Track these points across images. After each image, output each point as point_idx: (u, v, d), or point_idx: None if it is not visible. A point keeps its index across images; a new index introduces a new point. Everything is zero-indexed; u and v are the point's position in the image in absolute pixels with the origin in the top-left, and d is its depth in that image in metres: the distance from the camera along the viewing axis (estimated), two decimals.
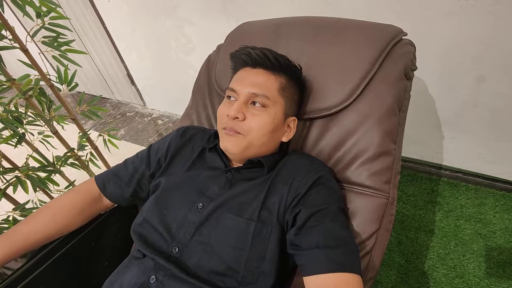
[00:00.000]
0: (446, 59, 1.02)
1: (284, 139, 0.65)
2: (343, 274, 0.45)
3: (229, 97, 0.63)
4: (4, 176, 0.97)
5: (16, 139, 0.96)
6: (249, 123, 0.58)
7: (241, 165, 0.64)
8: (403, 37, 0.72)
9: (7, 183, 0.96)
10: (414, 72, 0.72)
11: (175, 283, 0.51)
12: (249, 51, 0.61)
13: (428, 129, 1.23)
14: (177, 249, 0.55)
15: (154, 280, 0.52)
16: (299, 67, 0.65)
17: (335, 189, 0.58)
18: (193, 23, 1.48)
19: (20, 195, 0.99)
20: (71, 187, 1.17)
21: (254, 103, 0.59)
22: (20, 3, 0.88)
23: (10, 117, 0.91)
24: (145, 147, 0.74)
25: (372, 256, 0.58)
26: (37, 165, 1.06)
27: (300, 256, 0.50)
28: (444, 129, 1.22)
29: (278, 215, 0.55)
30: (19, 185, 0.95)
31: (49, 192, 1.12)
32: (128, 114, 2.32)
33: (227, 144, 0.60)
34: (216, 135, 0.72)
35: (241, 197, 0.58)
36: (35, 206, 1.09)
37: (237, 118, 0.58)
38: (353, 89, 0.64)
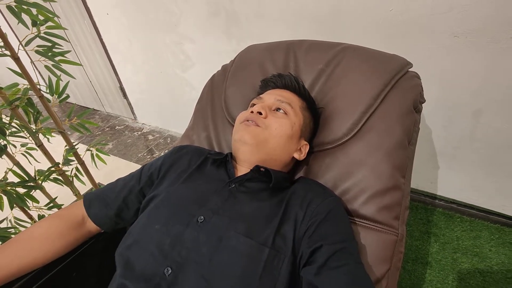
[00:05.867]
0: (445, 92, 1.04)
1: (296, 156, 0.64)
2: None
3: (253, 105, 0.67)
4: None
5: None
6: (270, 121, 0.61)
7: (248, 171, 0.60)
8: (409, 69, 0.72)
9: None
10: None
11: None
12: (282, 75, 0.70)
13: (423, 158, 1.24)
14: (170, 270, 0.47)
15: None
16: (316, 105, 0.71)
17: (348, 222, 0.55)
18: (194, 40, 1.47)
19: None
20: (51, 204, 1.09)
21: (277, 110, 0.63)
22: (16, 10, 0.85)
23: None
24: (133, 163, 0.69)
25: None
26: (16, 179, 0.98)
27: None
28: (439, 160, 1.22)
29: (294, 244, 0.50)
30: None
31: (27, 209, 1.03)
32: (117, 127, 2.25)
33: (244, 133, 0.60)
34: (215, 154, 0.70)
35: (249, 217, 0.52)
36: (11, 225, 1.00)
37: (260, 114, 0.61)
38: (354, 123, 0.65)
